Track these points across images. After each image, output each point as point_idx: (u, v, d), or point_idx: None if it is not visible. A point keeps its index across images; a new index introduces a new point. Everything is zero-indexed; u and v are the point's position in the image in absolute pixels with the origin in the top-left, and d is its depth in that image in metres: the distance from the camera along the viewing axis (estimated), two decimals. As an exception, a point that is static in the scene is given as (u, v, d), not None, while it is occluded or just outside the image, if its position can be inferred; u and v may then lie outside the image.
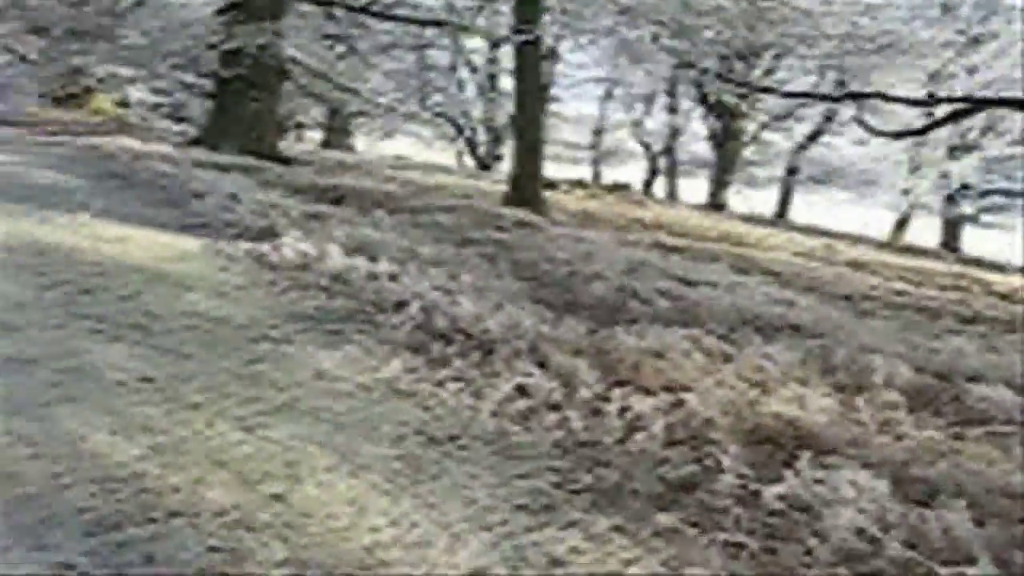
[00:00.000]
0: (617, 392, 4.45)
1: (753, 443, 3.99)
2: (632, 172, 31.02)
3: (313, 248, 7.12)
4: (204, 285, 6.25)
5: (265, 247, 7.29)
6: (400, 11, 19.58)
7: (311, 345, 5.11)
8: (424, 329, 5.44)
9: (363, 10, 17.84)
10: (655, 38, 16.05)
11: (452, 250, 8.20)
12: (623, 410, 4.26)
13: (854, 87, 18.24)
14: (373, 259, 6.93)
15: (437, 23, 18.63)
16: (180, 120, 25.47)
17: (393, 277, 6.50)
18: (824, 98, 22.47)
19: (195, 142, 16.47)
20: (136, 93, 27.76)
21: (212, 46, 15.97)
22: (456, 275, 6.78)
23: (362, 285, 6.35)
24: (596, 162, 34.23)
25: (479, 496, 3.39)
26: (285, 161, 15.87)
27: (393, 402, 4.36)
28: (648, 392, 4.46)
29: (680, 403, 4.28)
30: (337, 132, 30.26)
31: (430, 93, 30.81)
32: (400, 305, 5.84)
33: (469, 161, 31.99)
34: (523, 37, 12.99)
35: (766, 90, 23.16)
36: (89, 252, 6.91)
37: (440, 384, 4.61)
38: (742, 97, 24.15)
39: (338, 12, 20.34)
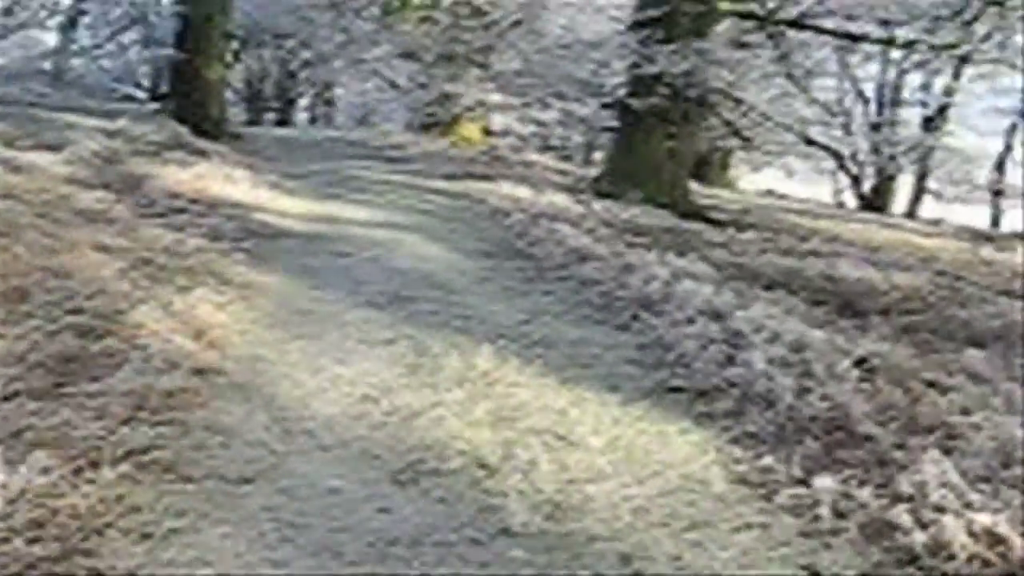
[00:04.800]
0: None
1: None
2: None
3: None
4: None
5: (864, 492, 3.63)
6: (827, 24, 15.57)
7: None
8: None
9: (807, 27, 13.93)
10: None
11: None
12: None
13: None
14: None
15: (909, 44, 14.36)
16: (548, 149, 22.90)
17: None
18: None
19: (594, 183, 13.31)
20: (503, 121, 25.59)
21: (636, 65, 12.64)
22: None
23: None
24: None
25: None
26: (708, 218, 12.29)
27: None
28: None
29: None
30: (714, 166, 26.33)
31: (810, 122, 26.34)
32: None
33: (849, 199, 27.04)
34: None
35: None
36: (512, 472, 3.65)
37: None
38: None
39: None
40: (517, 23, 19.36)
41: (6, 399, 3.66)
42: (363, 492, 3.51)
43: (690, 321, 6.07)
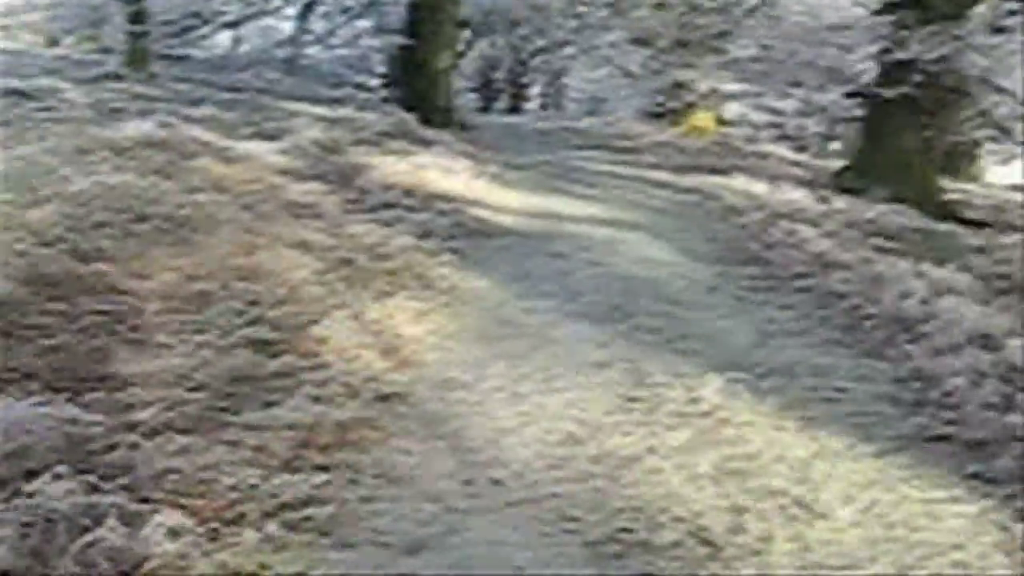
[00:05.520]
0: None
1: None
2: None
3: None
4: None
5: None
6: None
7: None
8: None
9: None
10: None
11: None
12: None
13: None
14: None
15: None
16: (782, 139, 21.57)
17: None
18: None
19: (836, 177, 12.16)
20: (737, 109, 24.39)
21: (887, 50, 11.43)
22: None
23: None
24: None
25: None
26: (963, 219, 10.93)
27: None
28: None
29: None
30: (960, 159, 23.97)
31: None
32: None
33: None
34: None
35: None
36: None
37: None
38: None
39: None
40: (755, 8, 18.26)
41: (154, 433, 3.23)
42: (552, 572, 2.87)
43: (955, 349, 5.12)
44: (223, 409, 3.57)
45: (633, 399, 4.32)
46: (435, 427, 3.79)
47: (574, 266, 6.84)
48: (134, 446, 3.12)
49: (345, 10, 19.45)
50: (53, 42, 16.28)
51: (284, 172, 7.96)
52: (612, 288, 6.28)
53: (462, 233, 7.40)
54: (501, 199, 9.14)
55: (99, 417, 3.27)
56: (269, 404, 3.66)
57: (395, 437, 3.63)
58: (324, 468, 3.23)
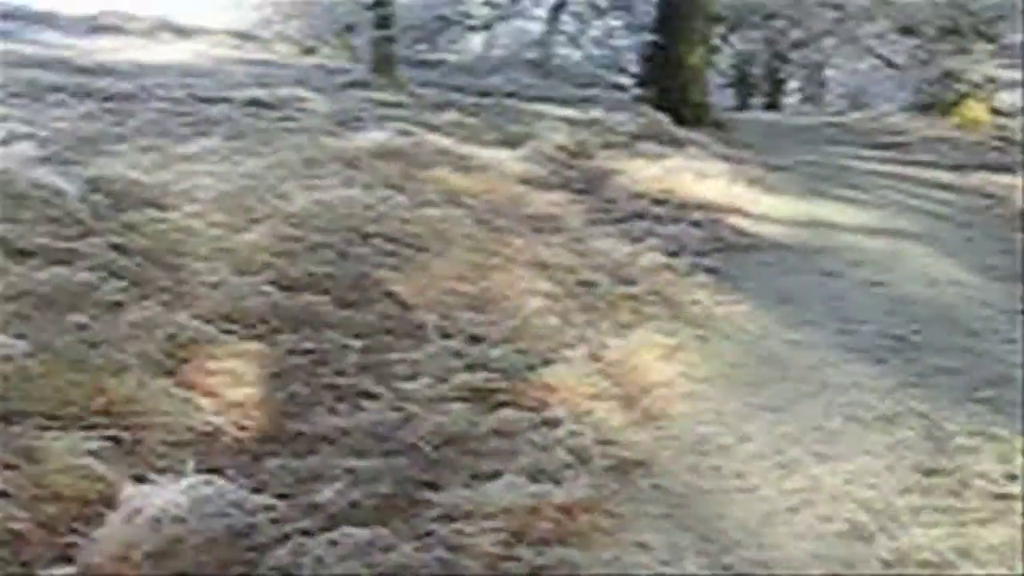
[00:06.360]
0: None
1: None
2: None
3: None
4: None
5: None
6: None
7: None
8: None
9: None
10: None
11: None
12: None
13: None
14: None
15: None
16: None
17: None
18: None
19: None
20: (1012, 99, 22.20)
21: None
22: None
23: None
24: None
25: None
26: None
27: None
28: None
29: None
30: None
31: None
32: None
33: None
34: None
35: None
36: None
37: None
38: None
39: None
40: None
41: (331, 523, 2.64)
42: None
43: None
44: (422, 484, 2.97)
45: (932, 471, 3.42)
46: (683, 511, 3.06)
47: (847, 287, 5.92)
48: (305, 537, 2.54)
49: (596, 9, 18.90)
50: (308, 52, 16.57)
51: (525, 181, 7.40)
52: (894, 315, 5.33)
53: (718, 247, 6.60)
54: (761, 206, 8.23)
55: (270, 499, 2.74)
56: (478, 477, 3.03)
57: (632, 525, 2.90)
58: (538, 574, 2.54)
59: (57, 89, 8.36)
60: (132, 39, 14.24)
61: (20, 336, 3.35)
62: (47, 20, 15.13)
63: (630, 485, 3.17)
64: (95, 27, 15.01)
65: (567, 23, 19.03)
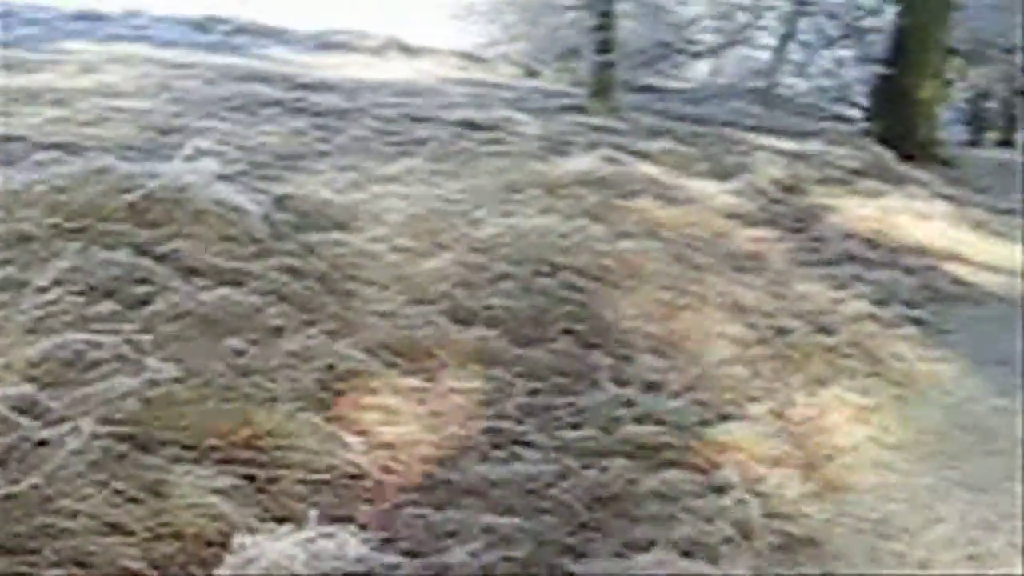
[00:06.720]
0: None
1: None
2: None
3: None
4: None
5: None
6: None
7: None
8: None
9: None
10: None
11: None
12: None
13: None
14: None
15: None
16: None
17: None
18: None
19: None
20: None
21: None
22: None
23: None
24: None
25: None
26: None
27: None
28: None
29: None
30: None
31: None
32: None
33: None
34: None
35: None
36: None
37: None
38: None
39: None
40: None
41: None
42: None
43: None
44: (565, 550, 2.81)
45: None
46: (853, 604, 2.84)
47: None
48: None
49: (825, 38, 18.30)
50: (531, 74, 16.72)
51: (732, 215, 7.21)
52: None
53: (930, 297, 6.25)
54: (983, 253, 7.72)
55: (395, 557, 2.60)
56: (628, 546, 2.87)
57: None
58: None
59: (273, 104, 8.52)
60: (358, 56, 14.52)
61: (173, 359, 3.27)
62: (277, 35, 15.69)
63: (796, 567, 2.98)
64: (324, 44, 15.37)
65: (795, 52, 18.50)
